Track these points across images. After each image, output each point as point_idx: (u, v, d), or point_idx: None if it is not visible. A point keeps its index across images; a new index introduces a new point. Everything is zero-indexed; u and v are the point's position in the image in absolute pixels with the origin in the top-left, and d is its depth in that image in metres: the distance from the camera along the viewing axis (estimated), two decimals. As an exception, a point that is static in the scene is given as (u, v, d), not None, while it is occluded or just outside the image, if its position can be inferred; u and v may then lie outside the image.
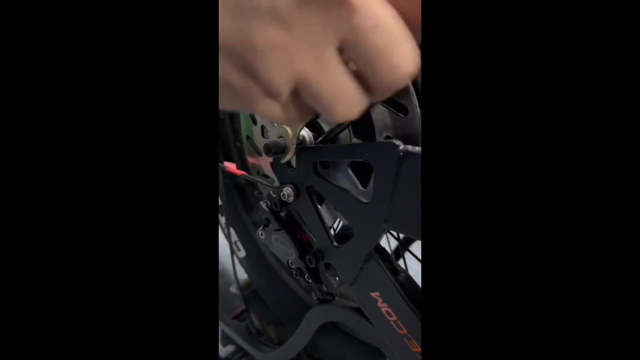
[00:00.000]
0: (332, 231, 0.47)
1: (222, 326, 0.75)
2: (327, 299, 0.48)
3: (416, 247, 0.70)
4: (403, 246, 0.63)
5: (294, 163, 0.43)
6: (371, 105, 0.34)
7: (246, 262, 0.75)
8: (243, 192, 0.72)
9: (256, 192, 0.72)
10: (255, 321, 0.79)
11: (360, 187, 0.40)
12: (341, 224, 0.50)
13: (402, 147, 0.31)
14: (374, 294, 0.38)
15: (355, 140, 0.41)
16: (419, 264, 0.54)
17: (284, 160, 0.41)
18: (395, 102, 0.34)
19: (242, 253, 0.74)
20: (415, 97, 0.33)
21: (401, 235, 0.67)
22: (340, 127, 0.37)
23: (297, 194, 0.43)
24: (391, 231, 0.52)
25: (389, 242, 0.65)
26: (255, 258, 0.73)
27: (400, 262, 0.64)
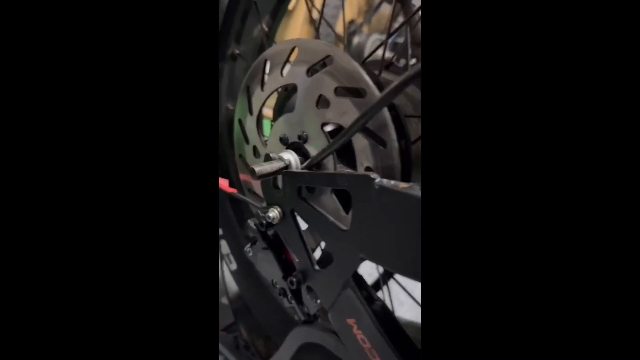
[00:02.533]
0: (319, 251, 0.48)
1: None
2: (309, 320, 0.49)
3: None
4: (387, 274, 0.63)
5: (280, 185, 0.44)
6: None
7: (237, 275, 0.76)
8: (237, 206, 0.73)
9: (250, 208, 0.73)
10: (244, 334, 0.80)
11: (343, 213, 0.41)
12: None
13: (377, 180, 0.32)
14: (350, 321, 0.38)
15: (339, 166, 0.41)
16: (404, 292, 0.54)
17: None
18: (375, 135, 0.35)
19: (233, 265, 0.75)
20: (393, 130, 0.34)
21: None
22: (323, 153, 0.38)
23: (282, 216, 0.44)
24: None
25: (378, 268, 0.66)
26: (247, 271, 0.74)
27: (385, 290, 0.64)
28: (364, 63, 0.38)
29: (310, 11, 0.62)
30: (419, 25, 0.51)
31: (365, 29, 2.24)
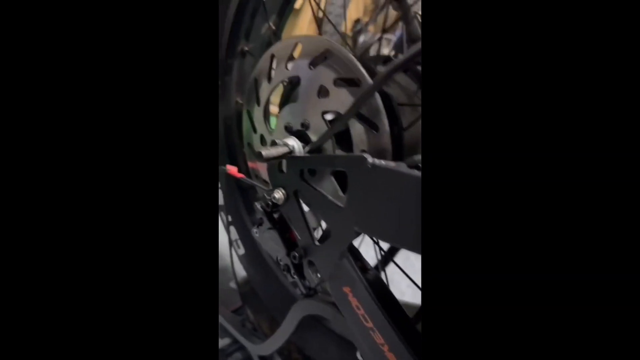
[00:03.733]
0: (320, 231, 0.52)
1: (220, 319, 0.80)
2: (310, 294, 0.53)
3: (401, 257, 0.74)
4: (385, 255, 0.67)
5: (285, 169, 0.48)
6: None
7: (245, 259, 0.81)
8: (245, 193, 0.77)
9: (257, 194, 0.78)
10: (251, 316, 0.84)
11: (341, 193, 0.45)
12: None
13: (370, 160, 0.36)
14: (346, 289, 0.42)
15: (338, 150, 0.45)
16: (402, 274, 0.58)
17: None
18: (369, 120, 0.39)
19: (241, 250, 0.80)
20: (385, 117, 0.38)
21: (386, 247, 0.71)
22: (323, 138, 0.42)
23: (286, 197, 0.49)
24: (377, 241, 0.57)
25: (376, 252, 0.70)
26: (253, 255, 0.78)
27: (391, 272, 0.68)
28: (361, 57, 0.42)
29: (314, 11, 0.66)
30: (415, 22, 0.55)
31: (370, 28, 2.28)
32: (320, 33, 0.54)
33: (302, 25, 1.81)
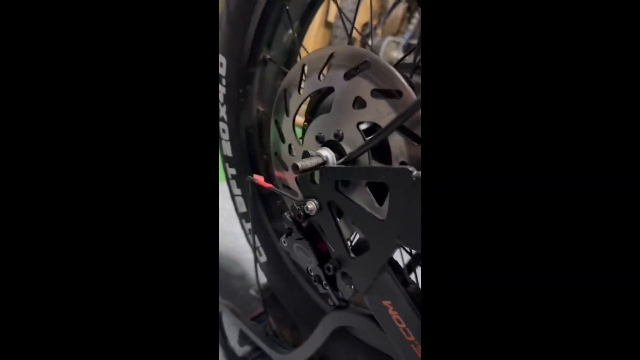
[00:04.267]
0: (349, 243, 0.52)
1: (240, 326, 0.80)
2: (342, 305, 0.52)
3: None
4: (415, 260, 0.67)
5: (317, 180, 0.48)
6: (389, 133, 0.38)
7: (267, 267, 0.80)
8: (266, 201, 0.77)
9: (278, 202, 0.77)
10: (273, 324, 0.84)
11: (377, 205, 0.44)
12: (357, 236, 0.54)
13: (415, 172, 0.36)
14: (386, 302, 0.42)
15: (374, 162, 0.45)
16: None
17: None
18: (411, 132, 0.39)
19: (263, 258, 0.79)
20: (428, 128, 0.38)
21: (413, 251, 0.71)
22: (361, 150, 0.42)
23: (319, 208, 0.48)
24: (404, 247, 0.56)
25: (402, 256, 0.69)
26: (275, 263, 0.78)
27: (413, 274, 0.68)
28: (396, 66, 0.42)
29: (327, 13, 0.65)
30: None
31: (379, 31, 2.28)
32: (349, 40, 0.54)
33: (311, 29, 1.80)
